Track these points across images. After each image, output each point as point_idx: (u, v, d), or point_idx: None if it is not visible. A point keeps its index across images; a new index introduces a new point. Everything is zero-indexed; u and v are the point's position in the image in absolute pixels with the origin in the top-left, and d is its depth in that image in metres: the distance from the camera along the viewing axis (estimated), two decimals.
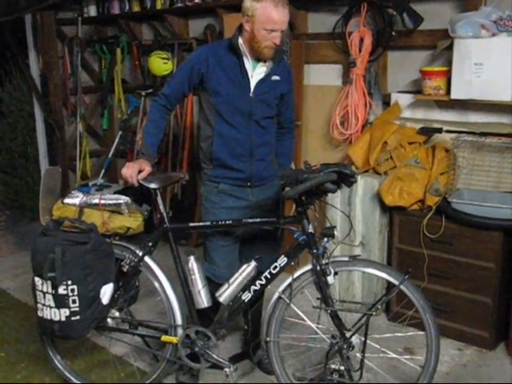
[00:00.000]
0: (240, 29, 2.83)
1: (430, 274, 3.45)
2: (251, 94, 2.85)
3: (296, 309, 2.69)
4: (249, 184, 2.95)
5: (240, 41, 2.81)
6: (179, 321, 2.84)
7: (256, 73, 2.86)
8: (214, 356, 2.81)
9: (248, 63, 2.84)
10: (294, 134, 3.26)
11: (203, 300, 2.84)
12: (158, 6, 5.10)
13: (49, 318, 2.64)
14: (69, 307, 2.60)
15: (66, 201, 2.99)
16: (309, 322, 2.69)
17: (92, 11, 5.76)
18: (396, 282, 2.55)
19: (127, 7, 5.40)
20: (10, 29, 5.70)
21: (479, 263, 3.30)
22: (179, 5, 4.93)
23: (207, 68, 2.83)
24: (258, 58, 2.84)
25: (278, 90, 2.92)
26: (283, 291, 2.67)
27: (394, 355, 2.72)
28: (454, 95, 3.45)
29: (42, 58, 5.69)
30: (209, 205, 2.99)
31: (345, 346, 2.59)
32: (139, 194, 3.05)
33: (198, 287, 2.83)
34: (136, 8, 5.31)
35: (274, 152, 3.07)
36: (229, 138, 2.88)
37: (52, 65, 5.67)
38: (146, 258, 2.87)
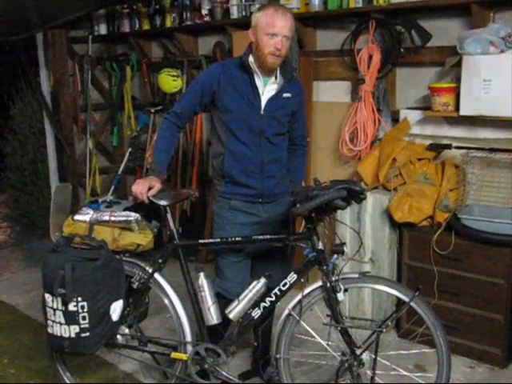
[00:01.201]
0: (250, 47, 2.85)
1: (440, 290, 3.43)
2: (262, 112, 2.86)
3: (306, 326, 2.68)
4: (260, 200, 2.95)
5: (251, 58, 2.83)
6: (189, 338, 2.83)
7: (267, 90, 2.87)
8: (223, 373, 2.80)
9: (259, 80, 2.86)
10: (306, 151, 3.27)
11: (213, 317, 2.83)
12: (168, 24, 5.15)
13: (59, 334, 2.63)
14: (79, 324, 2.60)
15: (77, 217, 2.99)
16: (319, 339, 2.68)
17: (102, 29, 5.83)
18: (406, 299, 2.54)
19: (137, 25, 5.45)
20: (22, 47, 5.76)
21: (490, 280, 3.28)
22: (188, 23, 4.98)
23: (218, 86, 2.85)
24: (267, 74, 2.86)
25: (289, 107, 2.94)
26: (293, 308, 2.67)
27: (405, 372, 2.70)
28: (463, 111, 3.45)
29: (53, 76, 5.75)
30: (220, 221, 3.00)
31: (355, 363, 2.58)
32: (149, 211, 3.06)
33: (207, 304, 2.82)
34: (146, 26, 5.37)
35: (286, 169, 3.07)
36: (240, 155, 2.89)
37: (63, 82, 5.73)
38: (156, 275, 2.87)
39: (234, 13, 4.58)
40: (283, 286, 2.69)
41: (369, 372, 2.58)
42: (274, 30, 2.73)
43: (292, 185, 3.02)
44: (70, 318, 2.60)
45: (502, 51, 3.29)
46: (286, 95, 2.90)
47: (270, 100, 2.87)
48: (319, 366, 2.89)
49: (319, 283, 2.62)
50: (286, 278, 2.69)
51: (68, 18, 5.14)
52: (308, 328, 2.68)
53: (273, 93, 2.87)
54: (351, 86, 4.25)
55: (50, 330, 2.68)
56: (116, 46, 6.11)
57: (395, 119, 4.02)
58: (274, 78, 2.88)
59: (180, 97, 4.68)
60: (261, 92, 2.86)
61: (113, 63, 5.88)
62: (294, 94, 2.94)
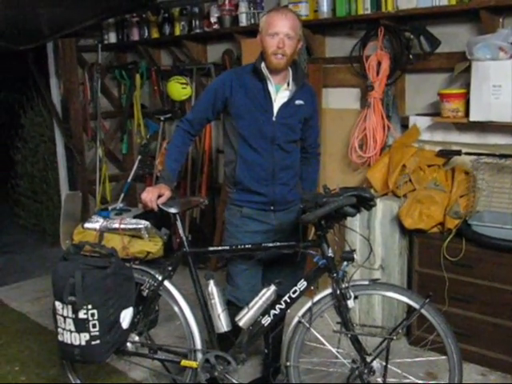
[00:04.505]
0: (262, 53, 2.86)
1: (451, 297, 3.41)
2: (274, 118, 2.86)
3: (316, 333, 2.67)
4: (272, 208, 2.95)
5: (263, 65, 2.83)
6: (199, 345, 2.83)
7: (279, 97, 2.87)
8: (233, 381, 2.79)
9: (271, 87, 2.86)
10: (320, 160, 3.26)
11: (223, 324, 2.82)
12: (177, 33, 5.18)
13: (69, 342, 2.63)
14: (89, 331, 2.60)
15: (87, 225, 3.00)
16: (329, 347, 2.67)
17: (112, 38, 5.87)
18: (417, 306, 2.53)
19: (146, 34, 5.49)
20: (32, 56, 5.81)
21: (501, 286, 3.26)
22: (197, 31, 5.01)
23: (231, 92, 2.86)
24: (280, 81, 2.86)
25: (301, 114, 2.93)
26: (303, 315, 2.66)
27: (416, 380, 2.69)
28: (473, 117, 3.44)
29: (63, 84, 5.79)
30: (232, 228, 2.99)
31: (365, 371, 2.56)
32: (158, 219, 3.06)
33: (217, 311, 2.82)
34: (155, 34, 5.40)
35: (298, 176, 3.07)
36: (252, 162, 2.89)
37: (72, 91, 5.77)
38: (166, 283, 2.87)
39: (243, 20, 4.60)
40: (293, 293, 2.68)
41: (379, 380, 2.57)
42: (274, 30, 2.74)
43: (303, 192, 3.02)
44: (81, 326, 2.60)
45: (511, 56, 3.28)
46: (298, 102, 2.90)
47: (282, 107, 2.87)
48: (329, 373, 2.87)
49: (329, 290, 2.61)
50: (296, 285, 2.69)
51: (78, 28, 5.18)
52: (318, 335, 2.67)
53: (285, 99, 2.87)
54: (360, 92, 4.25)
55: (60, 338, 2.68)
56: (125, 54, 6.15)
57: (404, 125, 4.01)
58: (286, 85, 2.88)
59: (193, 104, 4.70)
60: (273, 98, 2.86)
61: (122, 71, 5.91)
62: (307, 102, 2.94)
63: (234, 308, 2.90)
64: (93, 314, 2.58)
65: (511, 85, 3.27)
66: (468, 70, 3.46)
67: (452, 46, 3.73)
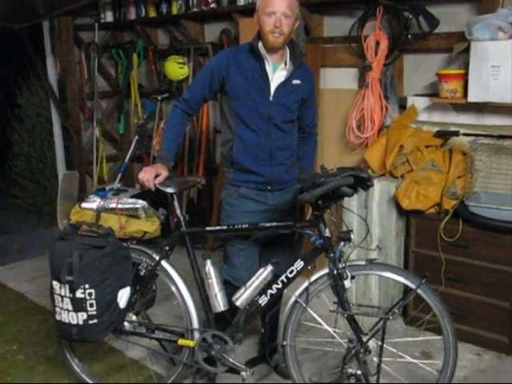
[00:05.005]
0: (259, 32, 2.84)
1: (447, 277, 3.43)
2: (271, 98, 2.85)
3: (313, 313, 2.68)
4: (269, 188, 2.94)
5: (260, 44, 2.81)
6: (196, 324, 2.84)
7: (276, 76, 2.85)
8: (230, 360, 2.81)
9: (268, 66, 2.84)
10: (317, 139, 3.25)
11: (220, 304, 2.83)
12: (174, 11, 5.13)
13: (67, 321, 2.65)
14: (86, 311, 2.61)
15: (84, 205, 3.00)
16: (325, 326, 2.68)
17: (109, 17, 5.82)
18: (413, 286, 2.54)
19: (143, 13, 5.44)
20: (28, 35, 5.76)
21: (497, 267, 3.27)
22: (195, 10, 4.96)
23: (228, 72, 2.85)
24: (277, 60, 2.85)
25: (298, 94, 2.91)
26: (300, 295, 2.67)
27: (412, 360, 2.70)
28: (471, 98, 3.43)
29: (60, 64, 5.76)
30: (229, 208, 2.99)
31: (362, 350, 2.58)
32: (156, 198, 3.05)
33: (214, 291, 2.83)
34: (152, 13, 5.35)
35: (296, 156, 3.06)
36: (249, 142, 2.88)
37: (69, 70, 5.74)
38: (163, 262, 2.88)
39: None
40: (290, 273, 2.69)
41: (375, 359, 2.58)
42: (271, 9, 2.72)
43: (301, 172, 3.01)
44: (78, 305, 2.61)
45: (510, 37, 3.26)
46: (295, 82, 2.88)
47: (280, 86, 2.85)
48: (326, 352, 2.90)
49: (326, 270, 2.61)
50: (293, 265, 2.69)
51: (74, 6, 5.13)
52: (315, 315, 2.68)
53: (282, 79, 2.85)
54: (358, 72, 4.23)
55: (57, 317, 2.69)
56: (122, 33, 6.11)
57: (402, 106, 4.00)
58: (283, 64, 2.86)
59: (190, 84, 4.67)
60: (270, 78, 2.84)
61: (119, 51, 5.88)
62: (304, 81, 2.92)
63: (230, 287, 2.91)
64: (90, 294, 2.59)
65: (510, 65, 3.25)
66: (467, 50, 3.44)
67: (451, 26, 3.71)
